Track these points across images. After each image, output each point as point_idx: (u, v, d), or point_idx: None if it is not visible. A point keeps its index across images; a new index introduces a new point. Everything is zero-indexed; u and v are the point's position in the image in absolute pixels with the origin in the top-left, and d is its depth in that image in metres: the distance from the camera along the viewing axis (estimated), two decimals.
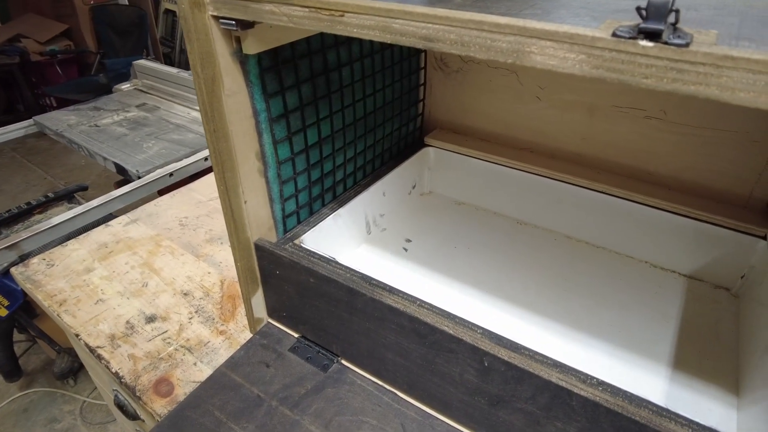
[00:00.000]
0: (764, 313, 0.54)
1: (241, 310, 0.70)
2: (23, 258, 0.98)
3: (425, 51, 0.78)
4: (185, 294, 0.73)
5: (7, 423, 1.51)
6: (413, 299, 0.48)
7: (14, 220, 1.21)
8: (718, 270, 0.65)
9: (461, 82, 0.79)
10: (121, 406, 0.71)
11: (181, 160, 1.31)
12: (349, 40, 0.60)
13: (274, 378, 0.56)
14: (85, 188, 1.37)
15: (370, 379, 0.56)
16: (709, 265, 0.65)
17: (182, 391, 0.58)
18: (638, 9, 0.26)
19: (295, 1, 0.37)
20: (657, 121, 0.65)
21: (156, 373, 0.61)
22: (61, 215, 1.08)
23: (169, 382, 0.59)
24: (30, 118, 1.60)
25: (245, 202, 0.54)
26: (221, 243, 0.84)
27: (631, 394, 0.39)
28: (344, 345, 0.57)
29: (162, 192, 1.16)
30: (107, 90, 1.86)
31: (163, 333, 0.66)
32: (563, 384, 0.40)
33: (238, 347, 0.61)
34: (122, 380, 0.60)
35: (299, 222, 0.64)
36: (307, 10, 0.37)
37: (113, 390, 0.72)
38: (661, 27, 0.25)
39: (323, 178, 0.65)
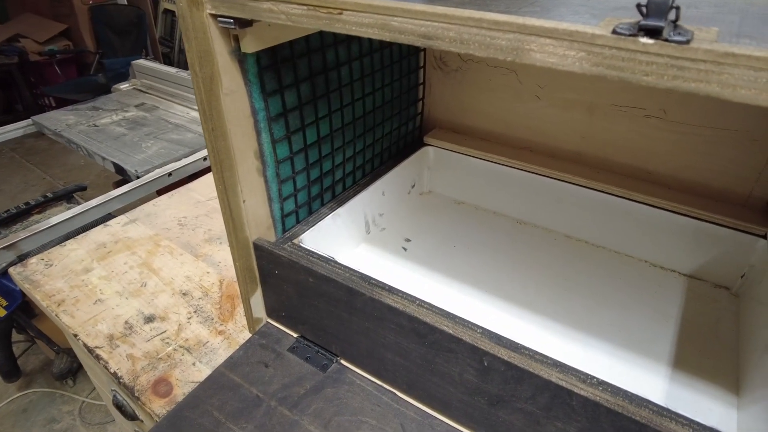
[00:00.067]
0: (764, 312, 0.53)
1: (240, 310, 0.69)
2: (22, 258, 0.98)
3: (424, 50, 0.78)
4: (184, 294, 0.73)
5: (6, 423, 1.51)
6: (413, 299, 0.48)
7: (13, 220, 1.21)
8: (718, 269, 0.65)
9: (460, 81, 0.79)
10: (119, 407, 0.70)
11: (180, 159, 1.31)
12: (348, 39, 0.60)
13: (273, 378, 0.56)
14: (84, 188, 1.36)
15: (369, 379, 0.56)
16: (709, 264, 0.65)
17: (181, 392, 0.58)
18: (638, 6, 0.26)
19: None
20: (657, 120, 0.65)
21: (155, 373, 0.61)
22: (59, 215, 1.07)
23: (168, 383, 0.59)
24: (29, 118, 1.59)
25: (244, 201, 0.53)
26: (220, 243, 0.84)
27: (632, 394, 0.39)
28: (343, 345, 0.56)
29: (161, 192, 1.16)
30: (106, 90, 1.86)
31: (161, 333, 0.66)
32: (563, 384, 0.40)
33: (237, 347, 0.60)
34: (121, 380, 0.60)
35: (298, 221, 0.63)
36: (305, 8, 0.37)
37: (112, 390, 0.72)
38: (661, 24, 0.25)
39: (322, 177, 0.65)
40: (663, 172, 0.68)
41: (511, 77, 0.74)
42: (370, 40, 0.64)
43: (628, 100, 0.65)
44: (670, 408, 0.38)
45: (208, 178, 1.04)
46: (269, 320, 0.64)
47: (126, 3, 3.24)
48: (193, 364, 0.62)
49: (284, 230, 0.61)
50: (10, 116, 2.97)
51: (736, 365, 0.55)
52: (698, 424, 0.37)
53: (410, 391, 0.53)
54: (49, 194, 1.30)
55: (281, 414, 0.52)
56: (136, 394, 0.58)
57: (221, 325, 0.67)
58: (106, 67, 2.94)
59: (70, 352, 1.55)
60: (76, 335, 0.66)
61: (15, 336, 1.59)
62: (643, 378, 0.54)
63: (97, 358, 0.63)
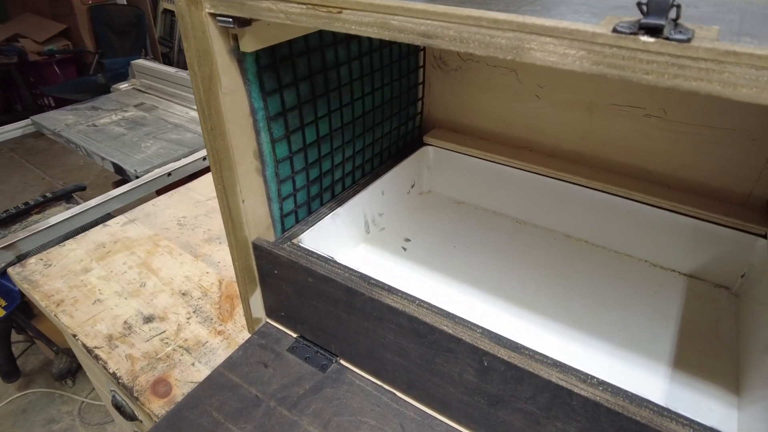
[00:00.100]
0: (764, 312, 0.53)
1: (240, 310, 0.69)
2: (21, 258, 0.97)
3: (424, 49, 0.78)
4: (183, 294, 0.73)
5: (5, 424, 1.51)
6: (412, 299, 0.48)
7: (12, 221, 1.21)
8: (718, 269, 0.65)
9: (460, 80, 0.79)
10: (118, 407, 0.70)
11: (179, 159, 1.31)
12: (348, 38, 0.60)
13: (272, 378, 0.56)
14: (83, 188, 1.36)
15: (368, 379, 0.56)
16: (709, 263, 0.65)
17: (180, 392, 0.58)
18: (639, 4, 0.26)
19: None
20: (656, 119, 0.65)
21: (154, 373, 0.60)
22: (58, 215, 1.07)
23: (167, 383, 0.59)
24: (28, 118, 1.59)
25: (243, 201, 0.53)
26: (219, 243, 0.84)
27: (632, 394, 0.39)
28: (343, 345, 0.56)
29: (160, 192, 1.15)
30: (105, 90, 1.85)
31: (161, 333, 0.66)
32: (563, 384, 0.40)
33: (237, 347, 0.60)
34: (120, 381, 0.60)
35: (297, 221, 0.63)
36: (304, 6, 0.37)
37: (111, 390, 0.72)
38: (662, 22, 0.25)
39: (322, 177, 0.65)
40: (663, 171, 0.68)
41: (511, 77, 0.74)
42: (369, 39, 0.64)
43: (627, 99, 0.65)
44: (670, 408, 0.38)
45: (208, 178, 1.04)
46: (268, 320, 0.64)
47: (125, 3, 3.24)
48: (192, 364, 0.62)
49: (283, 230, 0.61)
50: (9, 116, 2.97)
51: (736, 365, 0.55)
52: (699, 424, 0.37)
53: (410, 391, 0.53)
54: (48, 194, 1.29)
55: (280, 414, 0.52)
56: (135, 395, 0.58)
57: (220, 325, 0.67)
58: (106, 67, 2.94)
59: (69, 353, 1.55)
60: (75, 335, 0.66)
61: (14, 336, 1.59)
62: (643, 378, 0.54)
63: (96, 358, 0.63)
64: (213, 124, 0.47)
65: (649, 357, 0.56)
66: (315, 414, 0.52)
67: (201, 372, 0.60)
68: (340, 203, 0.67)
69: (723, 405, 0.51)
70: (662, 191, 0.66)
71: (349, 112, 0.65)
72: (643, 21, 0.25)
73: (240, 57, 0.47)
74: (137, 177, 1.24)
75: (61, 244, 0.84)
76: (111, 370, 0.61)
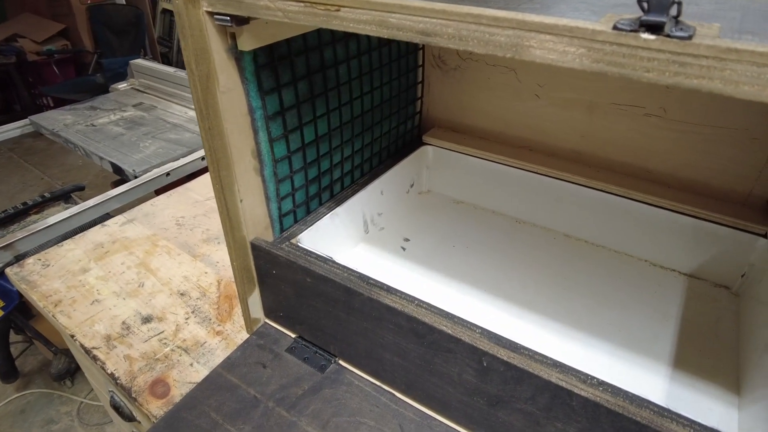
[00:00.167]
0: (764, 311, 0.53)
1: (238, 310, 0.69)
2: (19, 258, 0.97)
3: (423, 47, 0.77)
4: (182, 294, 0.72)
5: (4, 424, 1.50)
6: (411, 299, 0.48)
7: (10, 221, 1.21)
8: (718, 268, 0.64)
9: (459, 79, 0.79)
10: (117, 408, 0.70)
11: (178, 159, 1.31)
12: (346, 37, 0.60)
13: (270, 379, 0.55)
14: (82, 188, 1.36)
15: (367, 380, 0.55)
16: (709, 263, 0.65)
17: (178, 392, 0.58)
18: (639, 1, 0.26)
19: None
20: (656, 118, 0.64)
21: (152, 374, 0.60)
22: (57, 215, 1.07)
23: (165, 383, 0.59)
24: (26, 118, 1.59)
25: (241, 200, 0.53)
26: (218, 243, 0.83)
27: (632, 395, 0.39)
28: (342, 345, 0.56)
29: (159, 192, 1.15)
30: (104, 90, 1.85)
31: (159, 333, 0.66)
32: (563, 384, 0.40)
33: (235, 348, 0.60)
34: (118, 381, 0.60)
35: (296, 221, 0.63)
36: (302, 4, 0.36)
37: (109, 391, 0.72)
38: (663, 19, 0.24)
39: (320, 176, 0.64)
40: (663, 170, 0.68)
41: (510, 76, 0.73)
42: (368, 37, 0.64)
43: (627, 98, 0.65)
44: (670, 408, 0.38)
45: (206, 178, 1.04)
46: (267, 320, 0.64)
47: (124, 3, 3.23)
48: (191, 364, 0.61)
49: (282, 230, 0.61)
50: (7, 116, 2.96)
51: (737, 365, 0.55)
52: (699, 424, 0.37)
53: (409, 391, 0.53)
54: (46, 194, 1.29)
55: (279, 415, 0.52)
56: (134, 395, 0.58)
57: (219, 325, 0.67)
58: (105, 67, 2.93)
59: (68, 353, 1.54)
60: (72, 336, 0.66)
61: (13, 337, 1.59)
62: (643, 378, 0.54)
63: (94, 358, 0.63)
64: (211, 123, 0.47)
65: (649, 357, 0.56)
66: (314, 415, 0.51)
67: (199, 372, 0.60)
68: (338, 203, 0.67)
69: (723, 405, 0.51)
70: (662, 190, 0.66)
71: (348, 112, 0.65)
72: (644, 18, 0.25)
73: (238, 55, 0.47)
74: (136, 177, 1.24)
75: (59, 244, 0.84)
76: (109, 371, 0.61)
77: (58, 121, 1.54)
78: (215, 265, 0.78)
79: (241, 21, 0.43)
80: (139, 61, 1.79)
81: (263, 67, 0.50)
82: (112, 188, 1.19)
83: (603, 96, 0.67)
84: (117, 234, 0.86)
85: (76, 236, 0.86)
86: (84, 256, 0.81)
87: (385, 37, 0.34)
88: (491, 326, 0.45)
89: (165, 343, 0.64)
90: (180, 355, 0.62)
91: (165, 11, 3.25)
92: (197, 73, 0.44)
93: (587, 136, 0.71)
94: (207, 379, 0.56)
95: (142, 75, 1.77)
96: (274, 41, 0.49)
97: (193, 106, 1.67)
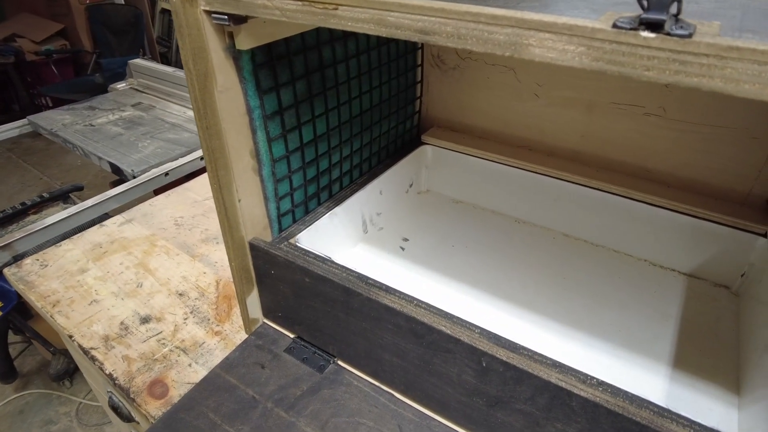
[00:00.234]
0: (764, 311, 0.53)
1: (237, 310, 0.69)
2: (17, 258, 0.97)
3: (422, 47, 0.77)
4: (180, 294, 0.72)
5: (2, 425, 1.50)
6: (410, 299, 0.48)
7: (9, 221, 1.20)
8: (717, 268, 0.64)
9: (458, 79, 0.78)
10: (115, 408, 0.70)
11: (176, 159, 1.31)
12: (345, 36, 0.60)
13: (269, 379, 0.55)
14: (80, 188, 1.36)
15: (366, 380, 0.55)
16: (708, 263, 0.65)
17: (177, 393, 0.57)
18: (639, 0, 0.25)
19: None
20: (656, 117, 0.64)
21: (150, 374, 0.60)
22: (55, 215, 1.07)
23: (164, 384, 0.59)
24: (25, 117, 1.59)
25: (239, 200, 0.53)
26: (217, 243, 0.83)
27: (632, 395, 0.39)
28: (340, 345, 0.56)
29: (157, 191, 1.15)
30: (103, 90, 1.85)
31: (157, 334, 0.66)
32: (563, 384, 0.39)
33: (234, 348, 0.60)
34: (116, 382, 0.59)
35: (294, 221, 0.63)
36: (300, 3, 0.36)
37: (108, 392, 0.71)
38: (663, 18, 0.24)
39: (319, 176, 0.64)
40: (662, 170, 0.67)
41: (510, 75, 0.73)
42: (367, 36, 0.63)
43: (627, 98, 0.65)
44: (670, 408, 0.38)
45: (205, 178, 1.04)
46: (266, 321, 0.64)
47: (123, 2, 3.23)
48: (189, 365, 0.61)
49: (280, 230, 0.61)
50: (6, 116, 2.95)
51: (737, 364, 0.55)
52: (699, 425, 0.37)
53: (408, 392, 0.52)
54: (45, 194, 1.29)
55: (277, 416, 0.51)
56: (132, 396, 0.57)
57: (218, 325, 0.67)
58: (103, 67, 2.93)
59: (66, 353, 1.54)
60: (71, 336, 0.66)
61: (12, 337, 1.58)
62: (643, 378, 0.54)
63: (93, 359, 0.63)
64: (208, 122, 0.47)
65: (649, 357, 0.56)
66: (312, 415, 0.51)
67: (198, 373, 0.60)
68: (337, 203, 0.67)
69: (723, 405, 0.51)
70: (662, 190, 0.66)
71: (347, 111, 0.65)
72: (644, 16, 0.25)
73: (235, 55, 0.47)
74: (134, 177, 1.24)
75: (58, 244, 0.84)
76: (107, 372, 0.61)
77: (56, 121, 1.54)
78: (214, 266, 0.78)
79: (239, 20, 0.43)
80: (138, 61, 1.79)
81: (261, 66, 0.50)
82: (111, 188, 1.19)
83: (602, 95, 0.67)
84: (115, 234, 0.86)
85: (75, 236, 0.86)
86: (82, 256, 0.81)
87: (384, 35, 0.34)
88: (490, 326, 0.44)
89: (163, 344, 0.64)
90: (178, 356, 0.62)
91: (164, 11, 3.25)
92: (195, 72, 0.44)
93: (587, 136, 0.71)
94: (205, 380, 0.56)
95: (140, 75, 1.77)
96: (272, 40, 0.49)
97: (191, 106, 1.67)
